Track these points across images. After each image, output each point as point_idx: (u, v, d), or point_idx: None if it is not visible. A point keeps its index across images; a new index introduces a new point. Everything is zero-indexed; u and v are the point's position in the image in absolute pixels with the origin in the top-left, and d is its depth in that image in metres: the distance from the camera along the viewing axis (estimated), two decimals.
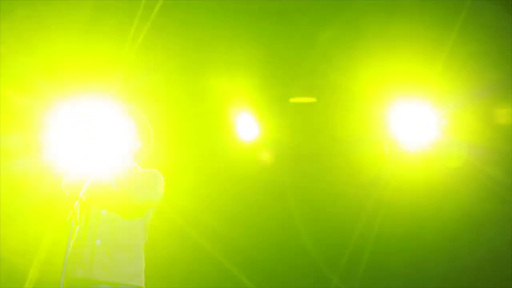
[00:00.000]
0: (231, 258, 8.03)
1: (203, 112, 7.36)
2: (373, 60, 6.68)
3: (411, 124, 7.17)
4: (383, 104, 7.11)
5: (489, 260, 7.36)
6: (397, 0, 6.44)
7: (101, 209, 4.04)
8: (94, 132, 4.02)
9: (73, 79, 6.35)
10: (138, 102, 6.16)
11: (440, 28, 6.55)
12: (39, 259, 7.22)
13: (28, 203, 7.12)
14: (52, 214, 6.85)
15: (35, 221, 7.19)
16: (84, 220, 4.02)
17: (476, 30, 6.53)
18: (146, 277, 4.16)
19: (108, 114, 4.27)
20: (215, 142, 7.59)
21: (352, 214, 7.71)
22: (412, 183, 7.29)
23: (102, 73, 6.45)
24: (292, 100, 7.39)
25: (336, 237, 7.85)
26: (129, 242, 4.05)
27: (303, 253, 7.92)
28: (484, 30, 6.55)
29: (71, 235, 3.74)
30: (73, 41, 6.33)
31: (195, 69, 6.93)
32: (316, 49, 6.76)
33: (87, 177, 4.02)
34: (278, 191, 7.81)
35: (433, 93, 7.01)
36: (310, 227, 7.82)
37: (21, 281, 7.16)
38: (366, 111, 7.17)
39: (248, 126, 7.45)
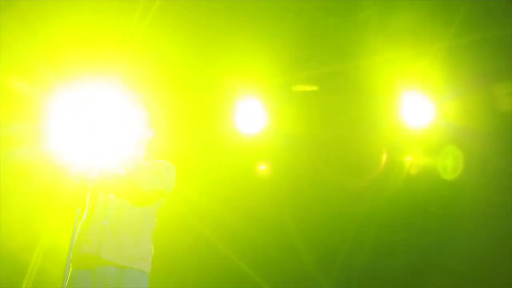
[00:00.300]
0: (244, 256, 8.01)
1: (213, 104, 7.33)
2: (375, 52, 6.70)
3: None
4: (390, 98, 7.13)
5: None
6: None
7: (109, 194, 4.06)
8: (97, 120, 4.01)
9: (79, 63, 6.30)
10: (147, 88, 6.23)
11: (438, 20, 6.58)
12: (42, 248, 7.27)
13: (30, 192, 7.10)
14: (58, 202, 6.87)
15: (37, 210, 7.19)
16: (93, 202, 4.04)
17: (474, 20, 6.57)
18: (157, 271, 4.18)
19: (116, 101, 4.30)
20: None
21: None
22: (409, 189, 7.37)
23: (109, 55, 6.41)
24: (295, 88, 7.36)
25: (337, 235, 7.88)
26: (136, 226, 4.02)
27: (317, 250, 7.90)
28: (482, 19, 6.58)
29: (77, 222, 3.80)
30: (76, 20, 6.20)
31: (207, 56, 6.85)
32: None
33: (95, 165, 4.03)
34: (293, 188, 7.79)
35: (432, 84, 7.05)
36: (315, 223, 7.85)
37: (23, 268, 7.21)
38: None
39: (257, 117, 7.42)
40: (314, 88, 7.30)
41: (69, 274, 4.00)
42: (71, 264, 4.00)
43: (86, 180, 3.95)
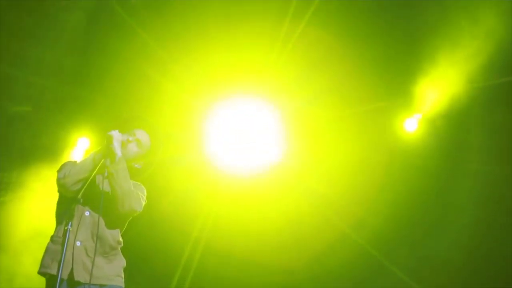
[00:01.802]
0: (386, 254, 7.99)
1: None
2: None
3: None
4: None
5: None
6: None
7: (85, 209, 4.02)
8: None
9: (229, 85, 7.34)
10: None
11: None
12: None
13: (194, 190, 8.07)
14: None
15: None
16: (68, 214, 3.98)
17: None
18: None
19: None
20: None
21: None
22: None
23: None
24: None
25: None
26: (109, 244, 4.02)
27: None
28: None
29: (68, 238, 3.73)
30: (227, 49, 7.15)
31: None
32: None
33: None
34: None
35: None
36: None
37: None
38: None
39: None
40: None
41: None
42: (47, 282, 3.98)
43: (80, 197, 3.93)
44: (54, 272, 3.87)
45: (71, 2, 7.10)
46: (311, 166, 7.84)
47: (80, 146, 8.07)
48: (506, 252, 7.41)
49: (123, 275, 4.11)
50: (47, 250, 4.00)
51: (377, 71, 7.30)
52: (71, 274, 3.88)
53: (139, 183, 4.25)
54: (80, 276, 3.88)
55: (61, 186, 3.97)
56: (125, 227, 4.22)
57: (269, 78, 7.40)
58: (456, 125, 7.48)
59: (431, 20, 6.88)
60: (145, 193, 4.23)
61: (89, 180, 3.95)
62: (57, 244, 3.95)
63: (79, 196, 3.97)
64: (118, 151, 3.98)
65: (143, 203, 4.17)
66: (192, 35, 7.17)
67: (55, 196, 4.14)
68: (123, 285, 4.09)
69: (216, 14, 6.99)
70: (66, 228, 3.66)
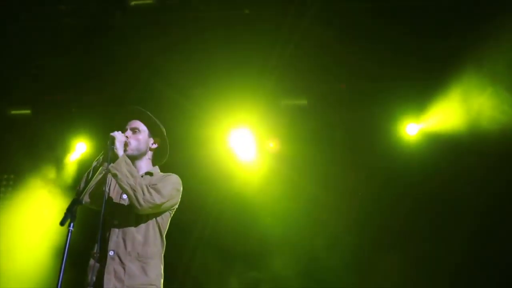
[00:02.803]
0: None
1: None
2: None
3: None
4: None
5: None
6: None
7: (112, 219, 4.02)
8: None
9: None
10: None
11: None
12: None
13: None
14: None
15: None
16: (101, 231, 3.93)
17: None
18: None
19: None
20: None
21: None
22: None
23: None
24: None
25: None
26: (142, 251, 3.97)
27: None
28: None
29: (69, 239, 3.57)
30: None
31: None
32: None
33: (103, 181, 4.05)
34: None
35: None
36: None
37: None
38: None
39: None
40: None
41: None
42: None
43: (81, 198, 3.85)
44: (92, 285, 3.88)
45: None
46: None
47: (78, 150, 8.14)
48: None
49: (159, 284, 4.01)
50: (89, 268, 3.96)
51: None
52: (99, 284, 3.86)
53: (168, 174, 4.21)
54: (111, 284, 3.85)
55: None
56: (166, 226, 4.14)
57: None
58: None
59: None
60: (176, 181, 4.17)
61: (93, 183, 3.97)
62: (96, 260, 3.93)
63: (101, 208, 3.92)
64: (120, 151, 4.00)
65: (174, 192, 4.11)
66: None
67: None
68: None
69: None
70: (68, 229, 3.55)
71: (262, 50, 7.22)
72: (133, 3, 6.81)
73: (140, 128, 4.26)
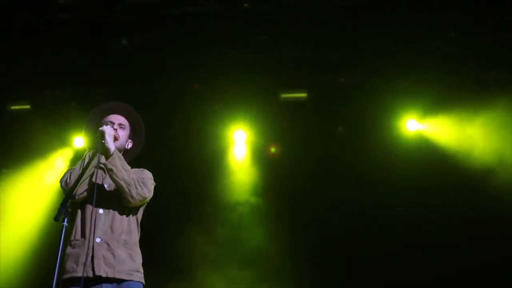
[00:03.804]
0: None
1: None
2: None
3: None
4: None
5: None
6: None
7: (98, 208, 4.02)
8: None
9: None
10: None
11: None
12: None
13: None
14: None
15: None
16: (81, 219, 4.00)
17: None
18: None
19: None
20: None
21: None
22: None
23: None
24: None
25: None
26: (128, 239, 4.04)
27: None
28: None
29: (63, 235, 3.55)
30: None
31: None
32: None
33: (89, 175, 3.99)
34: None
35: None
36: None
37: None
38: None
39: None
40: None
41: None
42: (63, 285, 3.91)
43: (73, 191, 3.78)
44: (79, 274, 3.84)
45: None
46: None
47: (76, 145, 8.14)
48: None
49: (142, 271, 4.08)
50: (67, 256, 3.95)
51: None
52: (92, 271, 3.86)
53: (142, 169, 4.29)
54: (102, 270, 3.87)
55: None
56: (140, 216, 4.23)
57: None
58: None
59: None
60: (151, 176, 4.26)
61: (85, 178, 3.95)
62: (76, 247, 3.95)
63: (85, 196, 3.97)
64: (111, 146, 4.02)
65: (152, 186, 4.21)
66: None
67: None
68: (143, 281, 4.07)
69: None
70: (62, 224, 3.54)
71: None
72: None
73: (125, 125, 4.32)
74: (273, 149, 8.17)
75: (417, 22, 6.88)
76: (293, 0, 6.90)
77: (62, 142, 8.13)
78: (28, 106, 8.16)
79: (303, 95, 7.77)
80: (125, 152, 4.30)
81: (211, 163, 8.05)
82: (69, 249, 3.97)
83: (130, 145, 4.35)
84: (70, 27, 7.17)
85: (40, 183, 8.01)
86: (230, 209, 8.03)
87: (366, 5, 6.86)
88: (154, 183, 4.28)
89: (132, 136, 4.36)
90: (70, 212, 3.67)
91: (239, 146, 8.15)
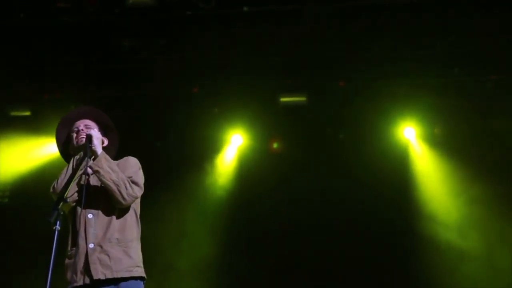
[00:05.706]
0: None
1: None
2: None
3: None
4: None
5: None
6: None
7: (87, 213, 3.98)
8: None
9: None
10: None
11: None
12: None
13: None
14: None
15: None
16: (72, 229, 3.99)
17: None
18: None
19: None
20: None
21: None
22: None
23: None
24: None
25: None
26: (121, 237, 3.99)
27: None
28: None
29: (56, 240, 3.50)
30: None
31: None
32: None
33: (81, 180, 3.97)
34: None
35: None
36: None
37: None
38: None
39: None
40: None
41: None
42: None
43: (62, 196, 3.71)
44: (79, 282, 3.82)
45: None
46: None
47: None
48: None
49: (142, 265, 4.03)
50: (66, 267, 3.94)
51: None
52: (90, 276, 3.83)
53: (125, 158, 4.23)
54: (99, 273, 3.84)
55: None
56: (138, 209, 4.15)
57: None
58: None
59: None
60: (137, 163, 4.19)
61: (74, 182, 3.90)
62: (72, 258, 3.91)
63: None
64: (99, 149, 4.00)
65: (142, 180, 4.13)
66: None
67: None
68: (144, 275, 4.02)
69: None
70: (54, 228, 3.50)
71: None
72: (131, 1, 6.78)
73: (92, 125, 4.24)
74: (275, 145, 8.18)
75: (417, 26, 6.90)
76: (292, 4, 6.90)
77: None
78: (28, 113, 8.17)
79: (302, 98, 7.75)
80: (103, 149, 4.17)
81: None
82: (66, 261, 3.96)
83: (106, 142, 4.24)
84: (70, 30, 7.17)
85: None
86: None
87: (366, 9, 6.83)
88: (142, 172, 4.18)
89: (104, 133, 4.25)
90: (62, 215, 3.60)
91: (231, 150, 8.19)
